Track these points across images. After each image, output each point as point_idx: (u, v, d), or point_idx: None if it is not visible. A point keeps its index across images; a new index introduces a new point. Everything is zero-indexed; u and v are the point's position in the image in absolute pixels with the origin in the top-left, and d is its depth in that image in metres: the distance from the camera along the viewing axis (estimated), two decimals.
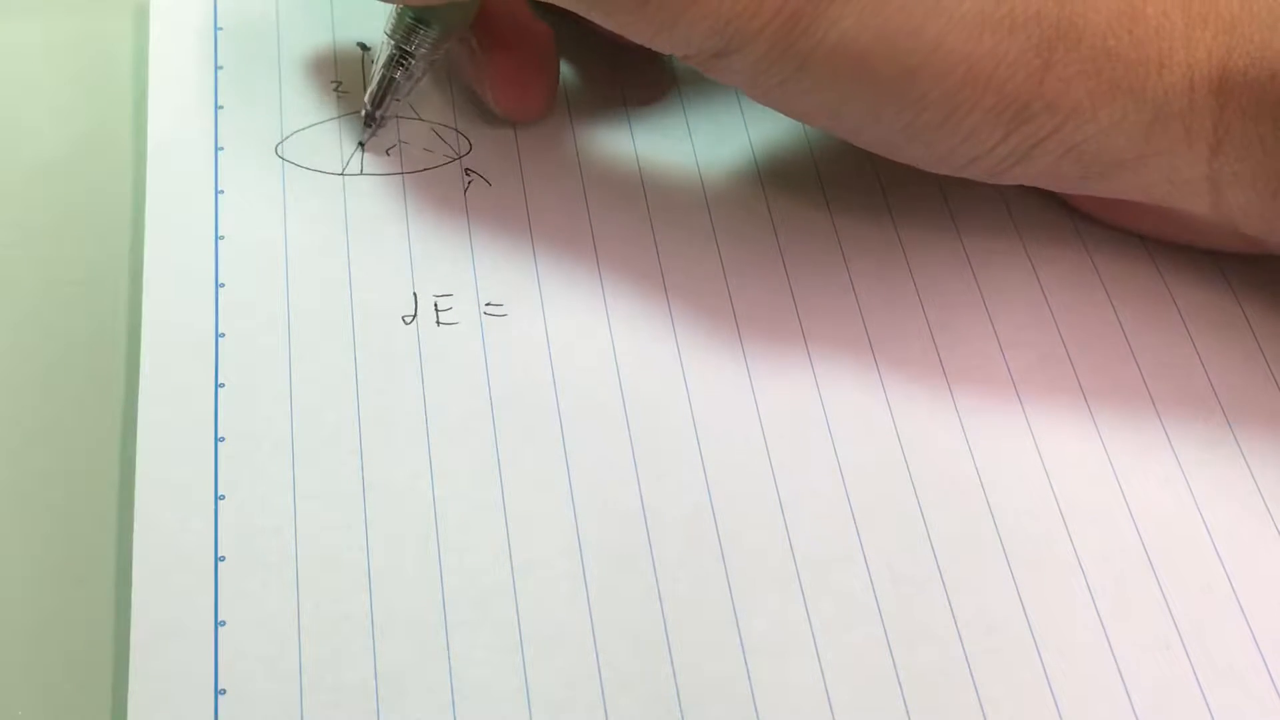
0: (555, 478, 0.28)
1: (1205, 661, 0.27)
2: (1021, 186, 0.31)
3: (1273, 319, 0.31)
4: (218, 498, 0.28)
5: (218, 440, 0.28)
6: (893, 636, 0.27)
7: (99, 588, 0.28)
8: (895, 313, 0.31)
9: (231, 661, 0.26)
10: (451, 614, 0.27)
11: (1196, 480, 0.29)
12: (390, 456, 0.28)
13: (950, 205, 0.33)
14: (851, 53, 0.27)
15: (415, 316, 0.31)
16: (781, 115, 0.30)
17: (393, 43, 0.32)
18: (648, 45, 0.28)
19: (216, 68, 0.35)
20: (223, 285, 0.31)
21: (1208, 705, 0.26)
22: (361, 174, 0.33)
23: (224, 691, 0.26)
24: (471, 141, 0.34)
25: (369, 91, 0.33)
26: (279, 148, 0.33)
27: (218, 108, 0.34)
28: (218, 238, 0.31)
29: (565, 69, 0.35)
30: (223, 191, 0.32)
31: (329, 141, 0.33)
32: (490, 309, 0.31)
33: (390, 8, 0.32)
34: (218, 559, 0.27)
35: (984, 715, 0.26)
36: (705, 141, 0.34)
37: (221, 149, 0.33)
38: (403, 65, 0.32)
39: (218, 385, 0.29)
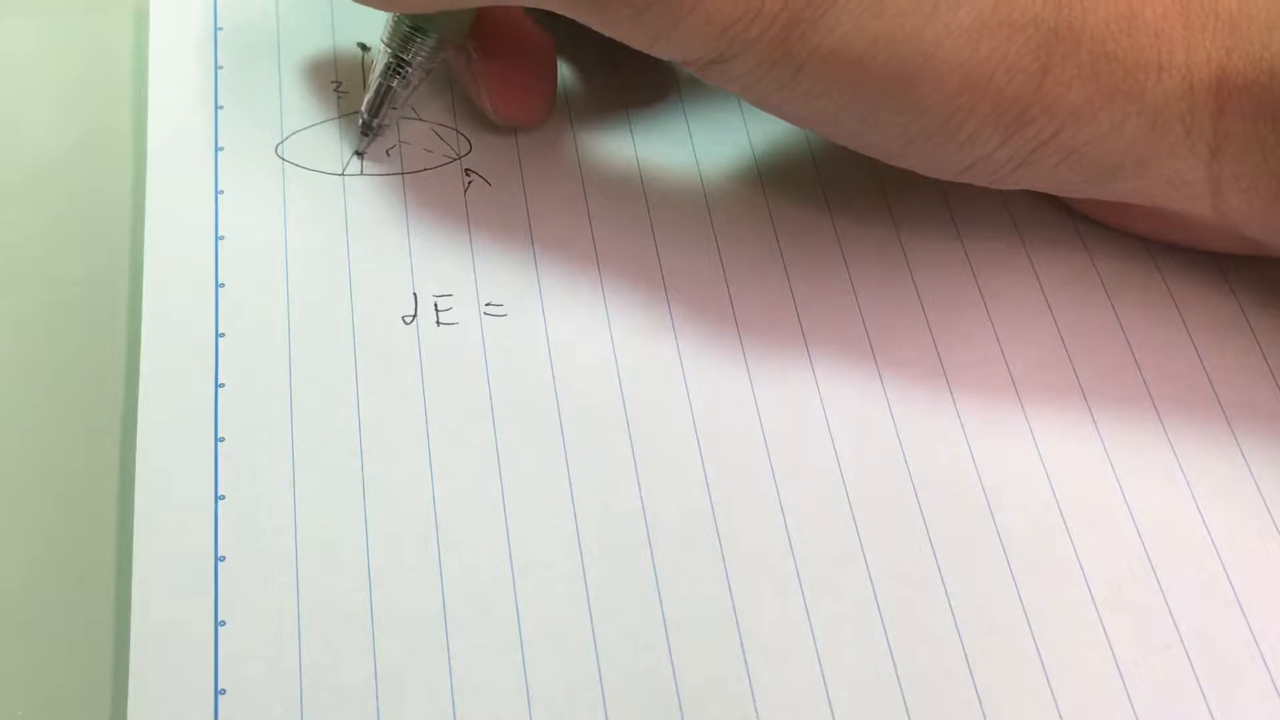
0: (555, 478, 0.28)
1: (1205, 661, 0.27)
2: None
3: (1273, 319, 0.31)
4: (218, 498, 0.28)
5: (218, 440, 0.28)
6: (893, 636, 0.27)
7: (99, 588, 0.28)
8: (895, 313, 0.31)
9: (231, 661, 0.26)
10: (451, 614, 0.27)
11: (1196, 480, 0.29)
12: (390, 456, 0.28)
13: (950, 205, 0.33)
14: (848, 58, 0.27)
15: (415, 316, 0.31)
16: None
17: (390, 51, 0.32)
18: (646, 52, 0.28)
19: (216, 68, 0.35)
20: (223, 285, 0.31)
21: (1208, 705, 0.26)
22: (361, 174, 0.33)
23: (224, 691, 0.26)
24: (471, 142, 0.34)
25: (366, 100, 0.33)
26: (279, 148, 0.33)
27: (218, 108, 0.34)
28: (218, 238, 0.31)
29: (566, 70, 0.35)
30: (223, 191, 0.32)
31: (329, 141, 0.33)
32: (490, 309, 0.31)
33: (387, 16, 0.32)
34: (218, 559, 0.27)
35: (984, 715, 0.26)
36: (705, 142, 0.34)
37: (221, 149, 0.33)
38: (400, 74, 0.32)
39: (218, 385, 0.29)
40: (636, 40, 0.28)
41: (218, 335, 0.30)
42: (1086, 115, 0.27)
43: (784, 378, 0.30)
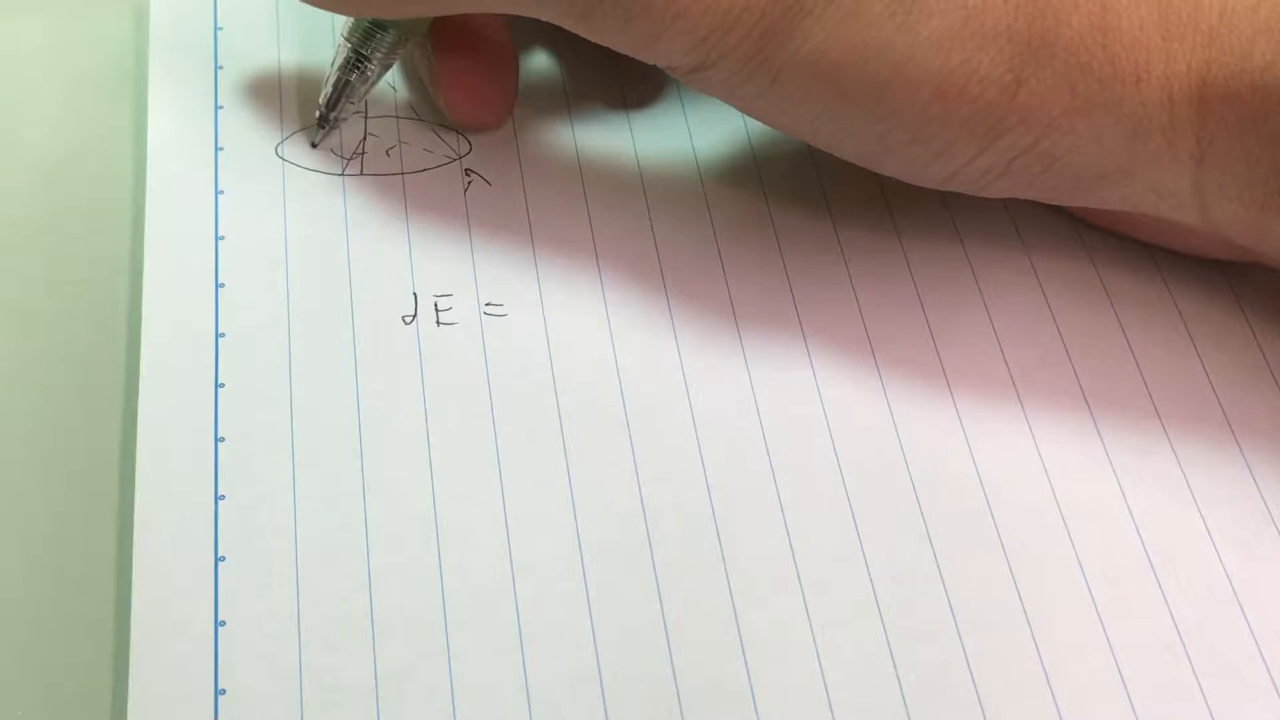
0: (555, 478, 0.28)
1: (1205, 661, 0.27)
2: None
3: (1273, 319, 0.31)
4: (218, 498, 0.28)
5: (218, 440, 0.28)
6: (893, 636, 0.27)
7: (99, 588, 0.28)
8: (895, 313, 0.31)
9: (231, 661, 0.26)
10: (451, 614, 0.27)
11: (1196, 480, 0.29)
12: (390, 456, 0.28)
13: (950, 206, 0.33)
14: (822, 67, 0.27)
15: (415, 316, 0.31)
16: None
17: (349, 46, 0.32)
18: (634, 57, 0.29)
19: (216, 68, 0.35)
20: (223, 285, 0.31)
21: (1208, 705, 0.26)
22: (361, 174, 0.33)
23: (224, 691, 0.26)
24: (471, 141, 0.34)
25: (323, 94, 0.33)
26: (279, 148, 0.33)
27: (218, 108, 0.34)
28: (218, 238, 0.31)
29: (565, 70, 0.35)
30: (223, 191, 0.32)
31: (329, 141, 0.33)
32: (490, 309, 0.31)
33: None
34: (218, 559, 0.27)
35: (984, 715, 0.26)
36: (705, 141, 0.34)
37: (221, 149, 0.33)
38: (359, 69, 0.32)
39: (218, 385, 0.29)
40: (623, 47, 0.29)
41: (218, 335, 0.30)
42: (1064, 126, 0.27)
43: (784, 377, 0.30)
